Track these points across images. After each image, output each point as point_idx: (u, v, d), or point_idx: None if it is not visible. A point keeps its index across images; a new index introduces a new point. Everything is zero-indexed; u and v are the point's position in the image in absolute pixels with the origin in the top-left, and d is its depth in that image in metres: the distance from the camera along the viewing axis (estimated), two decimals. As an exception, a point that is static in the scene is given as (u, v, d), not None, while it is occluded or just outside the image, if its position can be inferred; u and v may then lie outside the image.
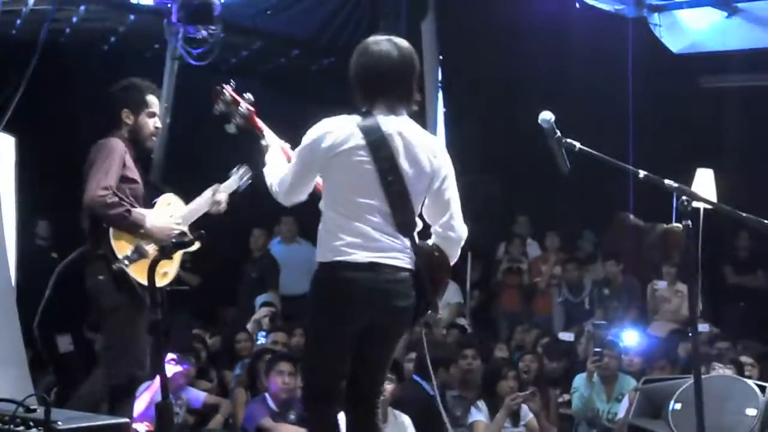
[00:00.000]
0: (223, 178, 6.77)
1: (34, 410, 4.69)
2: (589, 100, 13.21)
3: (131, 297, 6.19)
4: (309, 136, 5.15)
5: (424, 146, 5.19)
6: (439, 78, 15.37)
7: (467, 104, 15.22)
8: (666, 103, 13.56)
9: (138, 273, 6.11)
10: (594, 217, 14.03)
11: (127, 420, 5.42)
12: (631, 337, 10.83)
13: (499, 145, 14.48)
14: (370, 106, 5.17)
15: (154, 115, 6.54)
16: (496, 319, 13.98)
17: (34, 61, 8.75)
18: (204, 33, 9.54)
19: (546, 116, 4.78)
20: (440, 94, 15.39)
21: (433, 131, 15.08)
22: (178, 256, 6.38)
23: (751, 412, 6.79)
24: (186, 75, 9.92)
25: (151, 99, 6.54)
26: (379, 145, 5.05)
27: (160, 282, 6.36)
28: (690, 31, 13.99)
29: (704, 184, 11.68)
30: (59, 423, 4.61)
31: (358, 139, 5.05)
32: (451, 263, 5.39)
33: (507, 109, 14.04)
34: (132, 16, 11.87)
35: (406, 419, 8.05)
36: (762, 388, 6.96)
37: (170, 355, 8.30)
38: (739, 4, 13.44)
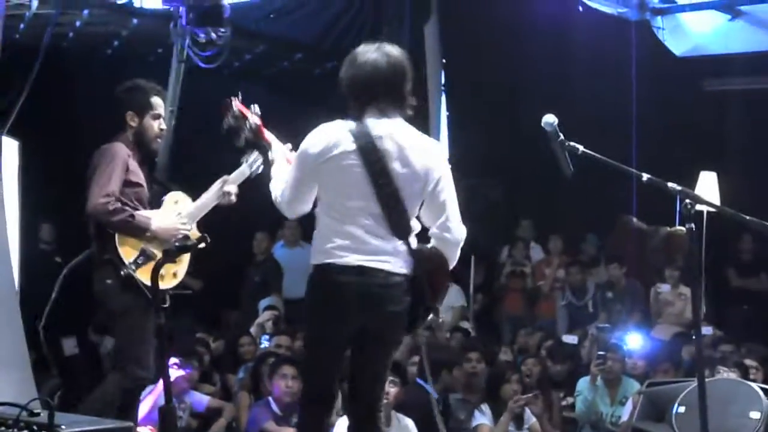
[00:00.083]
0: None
1: (38, 414, 4.70)
2: (592, 103, 13.20)
3: (139, 300, 6.18)
4: (301, 146, 5.22)
5: (417, 148, 5.17)
6: (442, 81, 15.38)
7: (470, 108, 15.23)
8: (669, 106, 13.56)
9: (146, 276, 6.08)
10: (597, 220, 14.03)
11: (131, 424, 5.42)
12: (634, 340, 10.82)
13: (502, 149, 14.49)
14: (361, 113, 5.19)
15: (158, 117, 6.52)
16: (500, 323, 13.98)
17: (37, 65, 8.73)
18: (213, 35, 9.52)
19: (549, 119, 4.78)
20: (443, 98, 15.40)
21: (436, 134, 15.07)
22: (187, 256, 6.37)
23: (755, 415, 6.78)
24: (190, 78, 9.90)
25: (156, 101, 6.51)
26: (369, 149, 5.07)
27: (169, 283, 6.36)
28: (693, 34, 13.99)
29: (707, 187, 11.68)
30: (63, 427, 4.61)
31: (348, 144, 5.09)
32: (451, 266, 5.37)
33: (510, 113, 14.04)
34: (135, 20, 11.87)
35: (409, 422, 8.04)
36: (766, 392, 6.95)
37: (173, 359, 8.30)
38: (742, 7, 13.45)
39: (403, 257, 5.14)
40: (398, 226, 5.11)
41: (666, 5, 14.00)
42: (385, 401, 7.43)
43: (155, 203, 6.50)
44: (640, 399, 7.96)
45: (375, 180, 5.07)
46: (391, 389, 7.60)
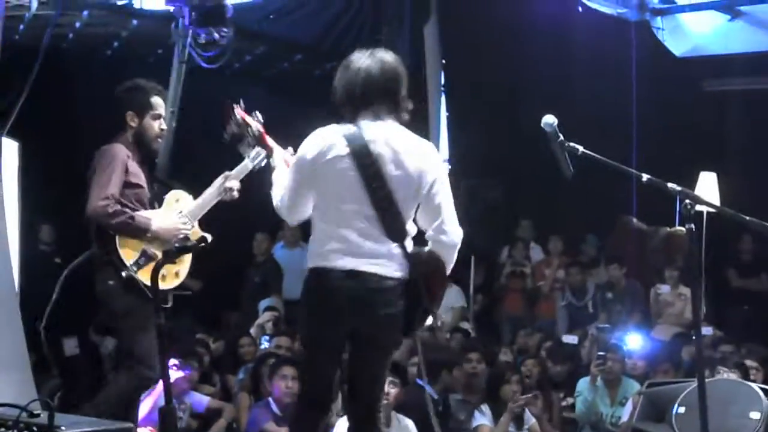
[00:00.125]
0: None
1: (38, 415, 4.70)
2: (592, 103, 13.20)
3: (142, 300, 6.17)
4: (298, 152, 5.28)
5: (411, 151, 5.18)
6: (442, 82, 15.38)
7: (470, 108, 15.22)
8: (669, 106, 13.55)
9: (148, 277, 6.06)
10: (597, 220, 14.03)
11: (131, 424, 5.42)
12: (634, 341, 10.82)
13: (502, 149, 14.48)
14: (355, 118, 5.22)
15: (159, 117, 6.49)
16: (500, 323, 13.98)
17: (37, 66, 8.73)
18: (216, 35, 9.51)
19: (549, 120, 4.78)
20: (443, 98, 15.40)
21: (436, 135, 15.08)
22: (189, 256, 6.36)
23: (755, 415, 6.78)
24: (190, 78, 9.91)
25: (156, 101, 6.49)
26: (362, 152, 5.10)
27: (172, 282, 6.36)
28: (693, 34, 14.00)
29: (707, 187, 11.69)
30: (63, 428, 4.61)
31: (342, 148, 5.12)
32: (448, 269, 5.36)
33: (510, 113, 14.03)
34: (135, 21, 11.88)
35: (409, 423, 8.04)
36: (766, 392, 6.95)
37: (173, 360, 8.30)
38: (742, 8, 13.45)
39: (398, 260, 5.15)
40: (393, 229, 5.13)
41: (666, 6, 14.00)
42: (385, 402, 7.44)
43: (157, 202, 6.49)
44: (640, 399, 7.96)
45: (368, 183, 5.09)
46: (391, 390, 7.60)
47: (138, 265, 6.16)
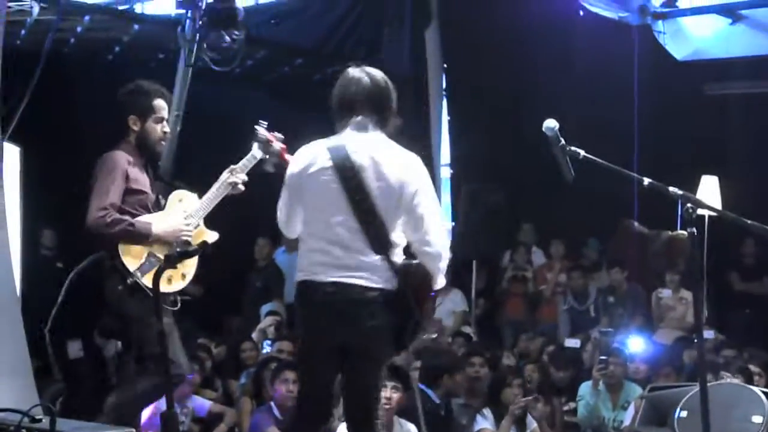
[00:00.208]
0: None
1: (40, 420, 4.70)
2: (594, 107, 13.20)
3: (152, 304, 6.12)
4: (288, 167, 5.39)
5: (392, 162, 5.20)
6: (444, 86, 15.39)
7: (472, 112, 15.23)
8: (670, 110, 13.55)
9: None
10: (599, 224, 14.02)
11: (132, 430, 5.41)
12: (636, 345, 10.81)
13: (503, 153, 14.47)
14: (344, 128, 5.30)
15: (162, 121, 6.42)
16: (501, 327, 13.96)
17: (38, 71, 8.73)
18: (227, 38, 9.50)
19: (550, 124, 4.78)
20: (444, 102, 15.41)
21: (438, 139, 15.10)
22: (195, 257, 6.31)
23: (758, 419, 6.77)
24: (192, 83, 9.91)
25: (159, 104, 6.41)
26: (344, 165, 5.15)
27: (178, 284, 6.29)
28: (694, 38, 14.01)
29: (709, 191, 11.68)
30: (65, 433, 4.62)
31: (325, 161, 5.20)
32: (436, 280, 5.32)
33: (511, 117, 14.04)
34: (136, 26, 11.89)
35: (411, 427, 8.03)
36: (768, 396, 6.95)
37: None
38: (743, 11, 13.46)
39: (383, 272, 5.16)
40: (377, 240, 5.14)
41: (667, 9, 14.02)
42: (387, 407, 7.46)
43: (160, 205, 6.45)
44: (642, 403, 7.95)
45: (351, 195, 5.13)
46: (394, 395, 7.59)
47: (142, 270, 6.12)
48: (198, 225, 6.43)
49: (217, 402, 9.27)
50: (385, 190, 5.13)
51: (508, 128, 14.17)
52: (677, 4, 14.09)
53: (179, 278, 6.30)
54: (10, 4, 9.27)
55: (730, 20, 13.64)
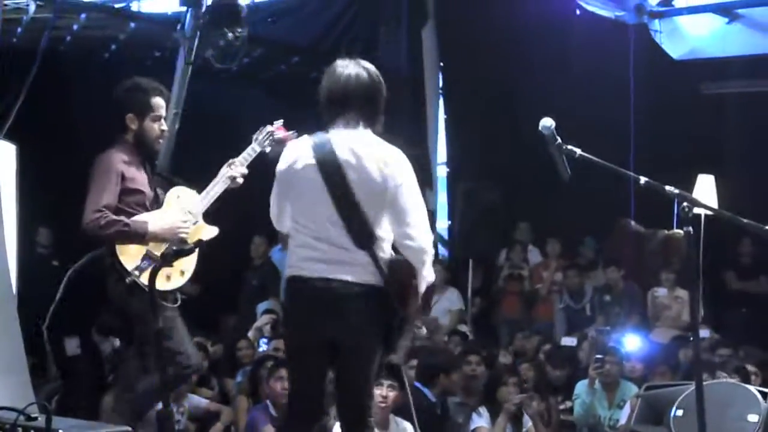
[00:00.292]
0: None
1: (35, 418, 4.69)
2: (590, 106, 13.20)
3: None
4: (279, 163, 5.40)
5: (375, 157, 5.18)
6: (440, 85, 15.40)
7: (468, 111, 15.23)
8: (666, 109, 13.56)
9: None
10: (595, 223, 14.02)
11: (128, 428, 5.41)
12: (632, 343, 10.82)
13: (500, 152, 14.48)
14: (331, 124, 5.28)
15: (160, 119, 6.38)
16: (497, 326, 13.97)
17: (34, 69, 8.73)
18: (230, 36, 9.50)
19: (546, 123, 4.77)
20: (441, 101, 15.42)
21: (434, 138, 15.11)
22: (195, 253, 6.29)
23: (753, 418, 6.77)
24: (189, 81, 9.92)
25: (157, 102, 6.37)
26: (327, 161, 5.16)
27: (177, 281, 6.27)
28: (690, 37, 14.02)
29: (705, 190, 11.68)
30: (60, 431, 4.61)
31: (309, 158, 5.21)
32: (422, 274, 5.29)
33: (508, 116, 14.04)
34: (133, 24, 11.88)
35: (408, 426, 8.03)
36: (764, 395, 6.95)
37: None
38: (739, 11, 13.47)
39: (367, 267, 5.16)
40: (361, 236, 5.14)
41: (663, 8, 14.03)
42: (383, 405, 7.46)
43: (157, 203, 6.42)
44: (638, 402, 7.96)
45: (333, 191, 5.14)
46: (390, 393, 7.59)
47: (140, 269, 6.09)
48: (197, 221, 6.41)
49: (214, 400, 9.27)
50: (367, 185, 5.13)
51: (505, 127, 14.18)
52: (673, 3, 14.10)
53: (178, 275, 6.28)
54: (7, 1, 9.28)
55: (726, 19, 13.66)
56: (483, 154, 14.73)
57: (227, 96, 12.70)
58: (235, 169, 6.51)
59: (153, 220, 6.19)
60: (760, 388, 7.14)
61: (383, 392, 7.50)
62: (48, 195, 11.18)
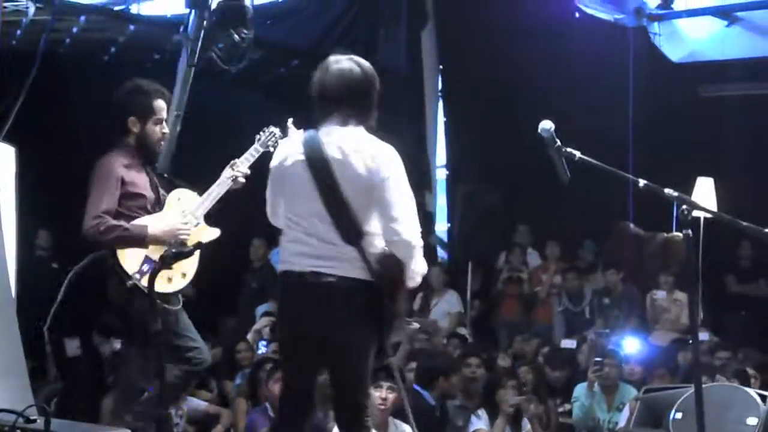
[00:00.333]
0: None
1: (34, 421, 4.69)
2: (589, 108, 13.20)
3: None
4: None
5: (362, 153, 5.17)
6: (439, 87, 15.40)
7: (467, 113, 15.24)
8: (665, 112, 13.56)
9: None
10: (594, 226, 14.02)
11: (127, 430, 5.41)
12: (631, 346, 10.82)
13: (499, 154, 14.49)
14: (322, 120, 5.30)
15: (161, 122, 6.34)
16: (496, 329, 13.97)
17: (33, 71, 8.72)
18: (237, 37, 9.49)
19: (546, 125, 4.77)
20: (440, 104, 15.43)
21: (433, 140, 15.12)
22: (196, 255, 6.27)
23: (752, 421, 6.78)
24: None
25: (159, 104, 6.32)
26: (315, 158, 5.18)
27: (179, 283, 6.25)
28: (690, 40, 14.02)
29: (704, 192, 11.68)
30: (59, 434, 4.61)
31: (299, 155, 5.24)
32: (411, 269, 5.24)
33: (507, 118, 14.05)
34: (132, 27, 11.88)
35: (407, 428, 8.03)
36: (763, 398, 6.95)
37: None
38: (739, 13, 13.47)
39: (356, 263, 5.15)
40: (349, 231, 5.15)
41: (663, 11, 14.02)
42: (382, 407, 7.46)
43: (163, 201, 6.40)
44: (637, 405, 7.96)
45: (321, 188, 5.16)
46: (390, 395, 7.58)
47: (142, 273, 6.07)
48: (198, 223, 6.39)
49: (212, 403, 9.26)
50: (354, 181, 5.13)
51: (504, 129, 14.19)
52: (673, 6, 14.09)
53: (180, 277, 6.26)
54: (6, 4, 9.27)
55: (725, 22, 13.66)
56: (482, 157, 14.74)
57: (227, 99, 12.69)
58: (237, 169, 6.50)
59: (153, 224, 6.17)
60: (759, 391, 7.14)
61: (383, 394, 7.49)
62: (47, 197, 11.18)
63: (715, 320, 12.39)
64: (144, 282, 6.01)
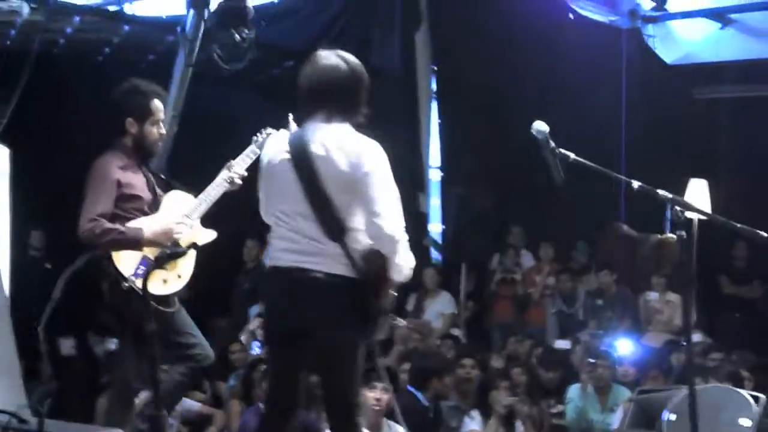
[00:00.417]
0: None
1: (27, 421, 4.69)
2: (583, 110, 13.20)
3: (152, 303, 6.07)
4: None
5: (345, 149, 5.16)
6: (434, 89, 15.40)
7: (461, 115, 15.23)
8: (659, 114, 13.56)
9: (150, 284, 5.97)
10: (588, 227, 14.03)
11: (121, 431, 5.40)
12: (625, 348, 10.83)
13: (493, 156, 14.49)
14: (308, 116, 5.31)
15: (158, 122, 6.33)
16: (490, 330, 13.96)
17: (27, 72, 8.72)
18: (237, 37, 9.49)
19: (540, 127, 4.78)
20: (434, 105, 15.42)
21: (427, 141, 15.11)
22: (191, 257, 6.27)
23: (746, 422, 6.78)
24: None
25: (156, 105, 6.31)
26: (300, 155, 5.18)
27: (174, 285, 6.24)
28: (684, 42, 14.02)
29: (697, 194, 11.68)
30: (53, 434, 4.61)
31: (284, 153, 5.25)
32: (394, 265, 5.20)
33: (501, 120, 14.04)
34: (126, 27, 11.86)
35: (400, 430, 8.04)
36: (756, 399, 6.96)
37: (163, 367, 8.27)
38: (733, 15, 13.48)
39: (340, 259, 5.14)
40: (333, 228, 5.14)
41: (657, 13, 14.02)
42: (377, 408, 7.46)
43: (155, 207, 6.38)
44: (631, 406, 7.97)
45: (305, 185, 5.15)
46: (384, 396, 7.59)
47: (137, 275, 6.05)
48: (193, 225, 6.37)
49: (206, 404, 9.26)
50: (336, 177, 5.13)
51: (498, 131, 14.18)
52: (667, 7, 14.09)
53: (175, 278, 6.25)
54: (0, 5, 9.26)
55: (719, 24, 13.66)
56: (476, 158, 14.73)
57: (222, 99, 12.69)
58: (234, 170, 6.49)
59: (147, 226, 6.15)
60: (753, 393, 7.14)
61: (377, 395, 7.50)
62: (41, 198, 11.17)
63: (709, 322, 12.39)
64: (139, 284, 5.99)
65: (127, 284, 6.01)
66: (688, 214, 4.58)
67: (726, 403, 6.96)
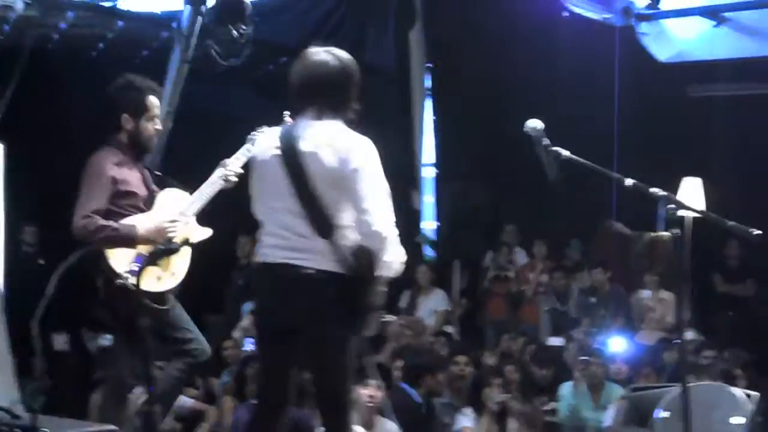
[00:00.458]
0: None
1: (21, 417, 4.69)
2: (576, 108, 13.21)
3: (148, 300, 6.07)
4: None
5: (334, 146, 5.14)
6: (428, 86, 15.41)
7: (455, 112, 15.25)
8: (653, 112, 13.58)
9: (143, 281, 5.95)
10: (581, 225, 14.04)
11: (114, 427, 5.40)
12: (618, 345, 10.84)
13: (487, 153, 14.50)
14: (299, 113, 5.32)
15: (154, 118, 6.32)
16: (483, 327, 13.98)
17: (21, 67, 8.70)
18: (235, 33, 9.48)
19: (534, 124, 4.79)
20: (428, 102, 15.43)
21: (420, 139, 15.12)
22: (186, 254, 6.27)
23: (738, 420, 6.79)
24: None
25: (152, 101, 6.30)
26: (289, 152, 5.18)
27: (168, 282, 6.23)
28: (677, 40, 14.01)
29: (691, 192, 11.68)
30: (46, 430, 4.60)
31: (274, 149, 5.25)
32: (384, 260, 5.15)
33: (495, 117, 14.05)
34: (120, 23, 11.85)
35: (393, 427, 8.04)
36: (749, 397, 6.97)
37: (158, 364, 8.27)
38: (727, 14, 13.47)
39: (329, 255, 5.13)
40: (321, 225, 5.13)
41: (650, 11, 14.01)
42: (370, 405, 7.46)
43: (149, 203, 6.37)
44: (623, 404, 7.98)
45: (294, 181, 5.15)
46: (377, 393, 7.60)
47: (132, 272, 6.04)
48: (188, 222, 6.36)
49: (199, 400, 9.26)
50: (325, 173, 5.12)
51: (492, 128, 14.18)
52: (660, 5, 14.09)
53: (169, 276, 6.24)
54: (-6, -1, 9.26)
55: (713, 22, 13.64)
56: (470, 155, 14.74)
57: (216, 96, 12.68)
58: (228, 169, 6.47)
59: (141, 223, 6.14)
60: (746, 391, 7.16)
61: (370, 392, 7.50)
62: (34, 193, 11.15)
63: (702, 320, 12.40)
64: (133, 281, 5.98)
65: (120, 281, 6.00)
66: (681, 212, 4.58)
67: (718, 400, 6.97)
